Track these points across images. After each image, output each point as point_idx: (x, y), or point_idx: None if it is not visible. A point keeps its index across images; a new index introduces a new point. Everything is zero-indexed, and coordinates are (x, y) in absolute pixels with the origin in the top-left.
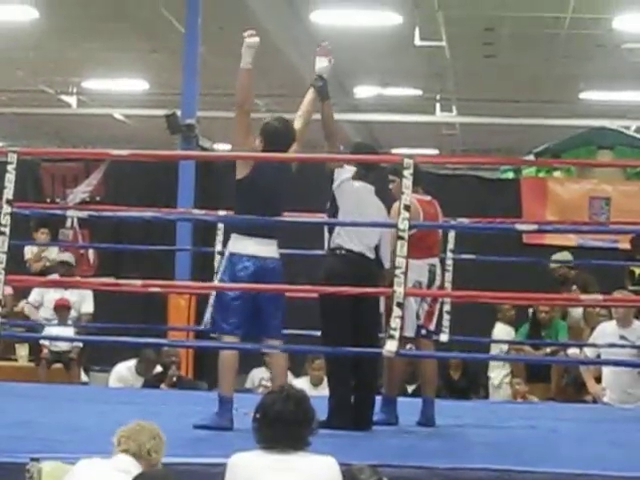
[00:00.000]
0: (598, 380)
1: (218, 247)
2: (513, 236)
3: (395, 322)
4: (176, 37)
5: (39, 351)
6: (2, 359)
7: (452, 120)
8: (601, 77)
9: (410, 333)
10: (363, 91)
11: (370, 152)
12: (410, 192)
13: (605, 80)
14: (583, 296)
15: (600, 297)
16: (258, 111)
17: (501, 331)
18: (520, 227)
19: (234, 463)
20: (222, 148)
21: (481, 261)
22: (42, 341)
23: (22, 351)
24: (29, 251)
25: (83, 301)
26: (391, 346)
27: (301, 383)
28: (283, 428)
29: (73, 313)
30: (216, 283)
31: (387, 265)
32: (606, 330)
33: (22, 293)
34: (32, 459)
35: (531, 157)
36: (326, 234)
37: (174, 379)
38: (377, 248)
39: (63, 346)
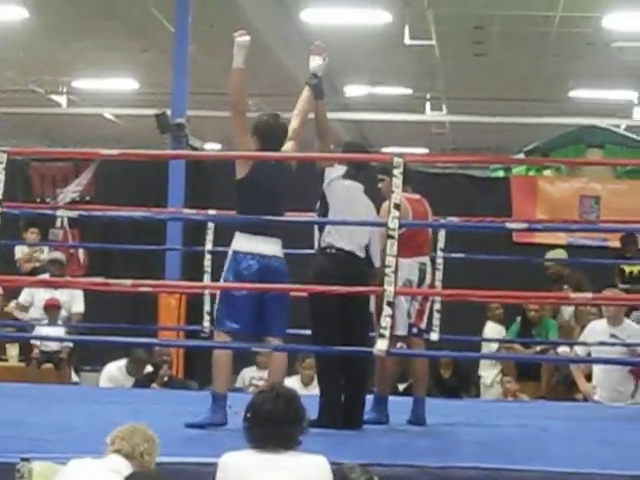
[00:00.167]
0: (588, 378)
1: (208, 246)
2: (503, 235)
3: (385, 321)
4: (166, 36)
5: (29, 351)
6: None
7: (442, 119)
8: (591, 75)
9: (402, 332)
10: (353, 90)
11: (360, 151)
12: (400, 191)
13: (595, 78)
14: (573, 294)
15: (590, 295)
16: (248, 110)
17: (491, 330)
18: (510, 226)
19: (225, 462)
20: (212, 147)
21: (471, 260)
22: (32, 341)
23: (12, 351)
24: (19, 251)
25: (73, 301)
26: (382, 345)
27: (291, 382)
28: (274, 427)
29: (63, 313)
30: (207, 282)
31: (377, 264)
32: (596, 328)
33: (12, 293)
34: (22, 459)
35: (521, 156)
36: (316, 233)
37: (165, 379)
38: (367, 247)
39: (53, 346)
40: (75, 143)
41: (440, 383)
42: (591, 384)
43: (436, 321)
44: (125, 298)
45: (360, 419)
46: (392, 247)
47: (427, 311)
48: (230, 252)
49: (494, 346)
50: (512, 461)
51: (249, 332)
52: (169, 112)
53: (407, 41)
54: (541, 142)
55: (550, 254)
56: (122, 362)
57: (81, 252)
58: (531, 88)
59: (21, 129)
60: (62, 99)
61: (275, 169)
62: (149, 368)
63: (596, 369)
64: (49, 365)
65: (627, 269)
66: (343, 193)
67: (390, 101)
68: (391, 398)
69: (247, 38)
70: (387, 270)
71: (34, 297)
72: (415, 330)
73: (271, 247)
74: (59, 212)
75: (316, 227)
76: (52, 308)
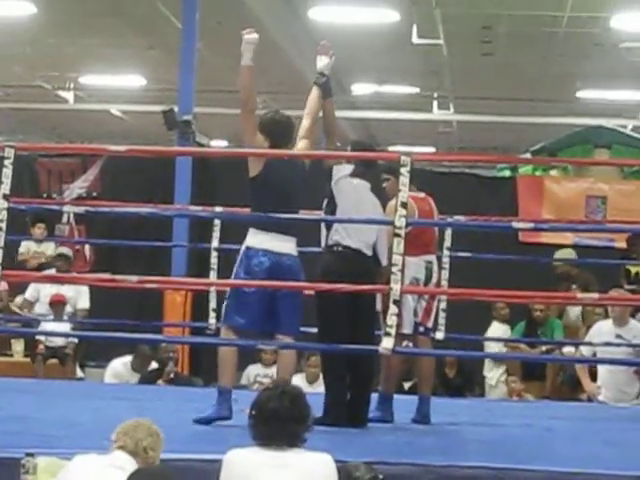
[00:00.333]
0: (593, 378)
1: (214, 243)
2: (509, 234)
3: (392, 319)
4: (173, 33)
5: (35, 346)
6: None
7: (449, 118)
8: (598, 76)
9: (408, 330)
10: (360, 88)
11: (368, 150)
12: (407, 189)
13: (602, 79)
14: (579, 295)
15: (596, 296)
16: (257, 108)
17: (497, 329)
18: (517, 225)
19: (230, 459)
20: (219, 144)
21: (477, 259)
22: (38, 336)
23: (18, 346)
24: (25, 247)
25: (79, 297)
26: (387, 343)
27: (297, 380)
28: (279, 425)
29: (69, 309)
30: (213, 279)
31: (384, 262)
32: (602, 329)
33: (19, 288)
34: (27, 454)
35: (528, 155)
36: (324, 231)
37: (171, 376)
38: (374, 245)
39: (59, 342)
40: (82, 139)
41: (445, 382)
42: (596, 384)
43: (442, 320)
44: (131, 294)
45: (365, 417)
46: (399, 245)
47: (434, 310)
48: (243, 248)
49: (498, 346)
50: (517, 461)
51: (255, 328)
52: (176, 109)
53: (415, 40)
54: (548, 142)
55: (559, 253)
56: (127, 358)
57: (87, 248)
58: (538, 88)
59: (28, 125)
60: (69, 95)
61: (288, 167)
62: (154, 364)
63: (601, 369)
64: (54, 361)
65: (633, 270)
66: (351, 191)
67: (397, 100)
68: (396, 396)
69: (255, 36)
70: (394, 268)
71: (40, 292)
72: (422, 329)
73: (284, 245)
74: (65, 208)
75: (323, 225)
76: (58, 304)
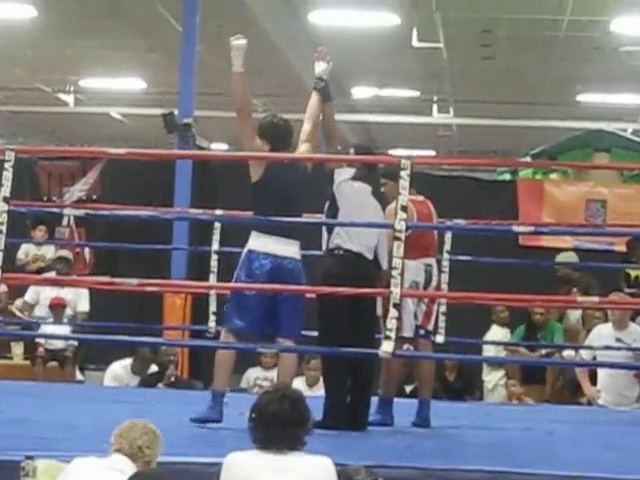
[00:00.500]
0: (593, 382)
1: (215, 246)
2: (509, 238)
3: (392, 323)
4: (173, 36)
5: (35, 349)
6: None
7: (449, 121)
8: (598, 79)
9: (409, 333)
10: (360, 92)
11: (369, 154)
12: (407, 193)
13: (602, 83)
14: (579, 298)
15: (596, 299)
16: (256, 111)
17: (497, 333)
18: (517, 229)
19: (230, 463)
20: (219, 147)
21: (477, 262)
22: (38, 339)
23: (17, 349)
24: (24, 249)
25: (79, 300)
26: (387, 347)
27: (296, 383)
28: (279, 428)
29: (69, 311)
30: (213, 282)
31: (385, 266)
32: (602, 332)
33: (19, 291)
34: (27, 457)
35: (528, 159)
36: (325, 234)
37: (172, 379)
38: (375, 249)
39: (58, 344)
40: (82, 142)
41: (445, 385)
42: (596, 388)
43: (442, 323)
44: (131, 297)
45: (365, 421)
46: (399, 249)
47: (434, 313)
48: (245, 250)
49: (496, 349)
50: (517, 464)
51: (256, 331)
52: (176, 112)
53: (415, 43)
54: (548, 146)
55: (560, 257)
56: (127, 361)
57: (87, 251)
58: (539, 92)
59: (28, 128)
60: (69, 98)
61: (290, 171)
62: (154, 367)
63: (601, 373)
64: (54, 363)
65: (633, 273)
66: (352, 195)
67: (397, 103)
68: (396, 400)
69: (243, 41)
70: (394, 272)
71: (40, 295)
72: (422, 332)
73: (286, 248)
74: (66, 211)
75: (324, 228)
76: (57, 307)
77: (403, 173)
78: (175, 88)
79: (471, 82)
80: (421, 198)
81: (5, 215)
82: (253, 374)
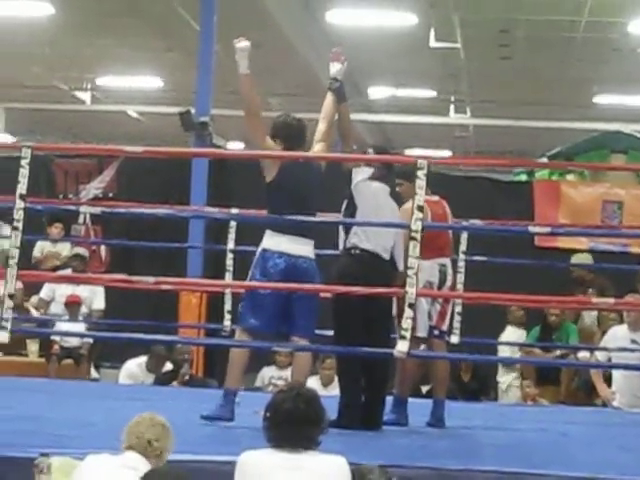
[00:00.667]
0: (608, 384)
1: (230, 245)
2: (525, 238)
3: (407, 323)
4: (191, 35)
5: (50, 347)
6: (13, 354)
7: (466, 122)
8: (616, 81)
9: (422, 333)
10: (377, 92)
11: (387, 154)
12: (423, 193)
13: (620, 84)
14: (594, 299)
15: (611, 301)
16: (270, 110)
17: (512, 334)
18: (533, 229)
19: (244, 461)
20: (235, 146)
21: (493, 263)
22: (53, 337)
23: (33, 346)
24: (40, 247)
25: (94, 297)
26: (402, 347)
27: (311, 382)
28: (293, 427)
29: (84, 309)
30: (229, 281)
31: (401, 267)
32: (617, 334)
33: (34, 288)
34: (41, 454)
35: (544, 160)
36: (342, 234)
37: (186, 377)
38: (392, 249)
39: (74, 342)
40: (98, 140)
41: (460, 386)
42: (611, 389)
43: (456, 324)
44: (146, 295)
45: (379, 420)
46: (414, 249)
47: (449, 313)
48: (259, 249)
49: (511, 350)
50: (531, 465)
51: (270, 330)
52: (193, 110)
53: (432, 43)
54: (564, 147)
55: (575, 258)
56: (142, 359)
57: (103, 249)
58: (556, 92)
59: (45, 125)
60: (86, 96)
61: (304, 170)
62: (169, 365)
63: (616, 375)
64: (69, 361)
65: None
66: (370, 195)
67: (414, 103)
68: (411, 400)
69: (247, 43)
70: (409, 272)
71: (55, 292)
72: (436, 332)
73: (301, 247)
74: (82, 208)
75: (341, 228)
76: (73, 304)
77: (420, 173)
78: (192, 87)
79: (488, 82)
80: (436, 198)
81: (21, 212)
82: (268, 373)
